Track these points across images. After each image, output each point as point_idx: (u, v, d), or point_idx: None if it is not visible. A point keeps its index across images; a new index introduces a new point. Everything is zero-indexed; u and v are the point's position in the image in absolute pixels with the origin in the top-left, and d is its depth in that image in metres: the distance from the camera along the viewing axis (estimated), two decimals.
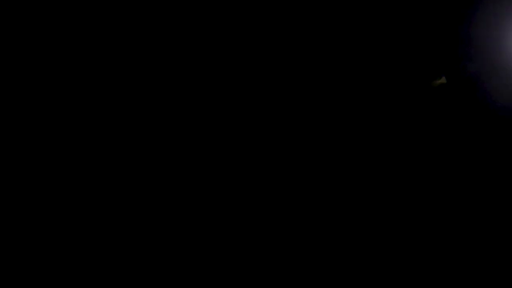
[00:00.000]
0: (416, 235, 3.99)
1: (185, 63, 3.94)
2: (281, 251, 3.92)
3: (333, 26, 3.96)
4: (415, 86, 4.01)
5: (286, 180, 3.98)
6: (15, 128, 3.83)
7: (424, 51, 3.97)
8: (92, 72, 3.88)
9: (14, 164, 3.82)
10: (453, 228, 3.99)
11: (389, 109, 4.02)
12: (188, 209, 3.89)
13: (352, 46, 3.98)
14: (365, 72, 4.00)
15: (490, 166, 4.03)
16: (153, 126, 3.92)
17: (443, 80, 3.95)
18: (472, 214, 3.98)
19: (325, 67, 3.98)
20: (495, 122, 3.98)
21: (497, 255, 3.92)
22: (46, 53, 3.85)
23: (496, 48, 3.90)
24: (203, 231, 3.87)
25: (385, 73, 4.00)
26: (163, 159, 3.91)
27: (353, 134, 4.00)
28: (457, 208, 4.00)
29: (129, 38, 3.89)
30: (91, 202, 3.86)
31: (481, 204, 3.99)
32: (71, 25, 3.84)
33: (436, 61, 3.98)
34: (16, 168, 3.82)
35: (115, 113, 3.90)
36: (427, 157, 4.03)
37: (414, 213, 4.00)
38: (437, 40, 3.94)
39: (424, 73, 4.01)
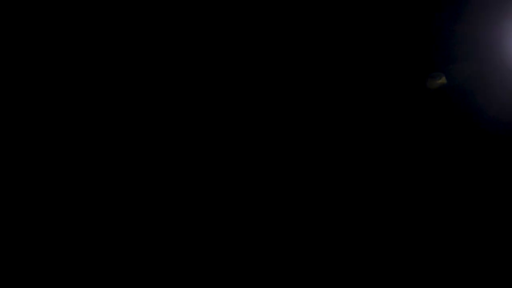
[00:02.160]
0: (411, 234, 3.99)
1: (185, 63, 3.94)
2: (280, 251, 3.92)
3: (332, 28, 3.96)
4: (415, 87, 4.01)
5: (283, 179, 3.98)
6: (15, 128, 3.83)
7: (423, 52, 3.97)
8: (92, 72, 3.89)
9: (14, 164, 3.83)
10: (448, 228, 3.98)
11: (389, 109, 4.02)
12: (188, 209, 3.89)
13: (351, 46, 3.98)
14: (365, 73, 3.99)
15: (489, 165, 4.03)
16: (152, 126, 3.93)
17: (443, 80, 3.95)
18: (471, 214, 3.97)
19: (325, 68, 3.98)
20: (494, 121, 3.98)
21: (497, 255, 3.92)
22: (46, 53, 3.85)
23: (495, 48, 3.90)
24: (203, 231, 3.87)
25: (384, 73, 4.00)
26: (162, 159, 3.92)
27: (351, 134, 4.00)
28: (456, 208, 3.99)
29: (129, 38, 3.90)
30: (91, 202, 3.86)
31: (480, 204, 3.98)
32: (71, 25, 3.85)
33: (435, 62, 3.98)
34: (16, 168, 3.83)
35: (115, 113, 3.91)
36: (426, 157, 4.02)
37: (411, 213, 3.99)
38: (436, 40, 3.93)
39: (424, 74, 4.01)
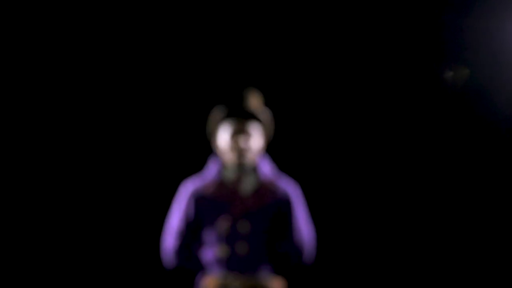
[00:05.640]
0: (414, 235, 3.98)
1: (185, 63, 3.93)
2: None
3: (339, 28, 3.94)
4: (423, 83, 3.99)
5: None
6: (15, 128, 3.83)
7: (429, 50, 3.95)
8: (92, 72, 3.88)
9: (14, 164, 3.83)
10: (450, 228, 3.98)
11: (396, 107, 4.00)
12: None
13: (358, 45, 3.96)
14: (371, 71, 3.97)
15: (491, 163, 4.01)
16: (152, 126, 3.92)
17: (463, 73, 3.92)
18: (473, 215, 3.97)
19: (334, 69, 3.96)
20: (496, 119, 3.97)
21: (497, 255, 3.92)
22: (47, 53, 3.84)
23: (498, 45, 3.88)
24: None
25: (391, 72, 3.98)
26: (161, 159, 3.91)
27: (354, 134, 3.98)
28: (456, 209, 3.98)
29: (129, 38, 3.88)
30: (91, 202, 3.87)
31: (482, 204, 3.98)
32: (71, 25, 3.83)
33: (445, 60, 3.96)
34: (16, 168, 3.83)
35: (115, 113, 3.90)
36: (430, 155, 4.01)
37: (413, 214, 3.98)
38: (447, 39, 3.91)
39: (435, 71, 3.98)
